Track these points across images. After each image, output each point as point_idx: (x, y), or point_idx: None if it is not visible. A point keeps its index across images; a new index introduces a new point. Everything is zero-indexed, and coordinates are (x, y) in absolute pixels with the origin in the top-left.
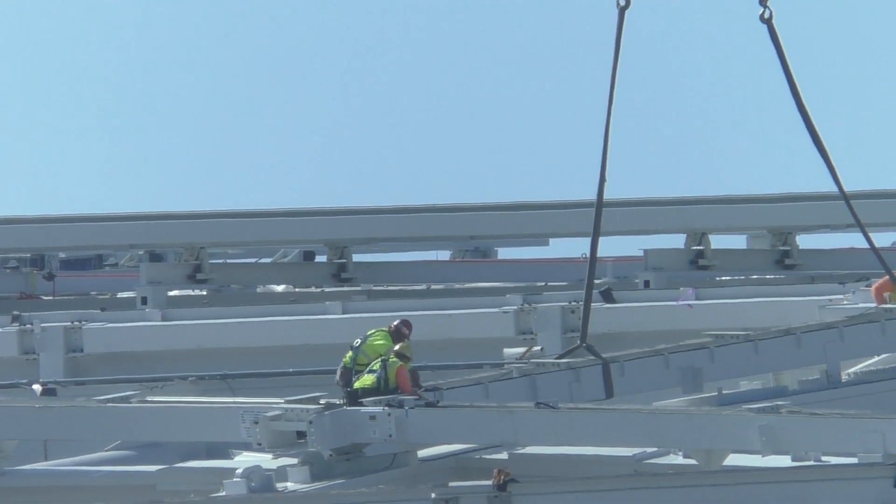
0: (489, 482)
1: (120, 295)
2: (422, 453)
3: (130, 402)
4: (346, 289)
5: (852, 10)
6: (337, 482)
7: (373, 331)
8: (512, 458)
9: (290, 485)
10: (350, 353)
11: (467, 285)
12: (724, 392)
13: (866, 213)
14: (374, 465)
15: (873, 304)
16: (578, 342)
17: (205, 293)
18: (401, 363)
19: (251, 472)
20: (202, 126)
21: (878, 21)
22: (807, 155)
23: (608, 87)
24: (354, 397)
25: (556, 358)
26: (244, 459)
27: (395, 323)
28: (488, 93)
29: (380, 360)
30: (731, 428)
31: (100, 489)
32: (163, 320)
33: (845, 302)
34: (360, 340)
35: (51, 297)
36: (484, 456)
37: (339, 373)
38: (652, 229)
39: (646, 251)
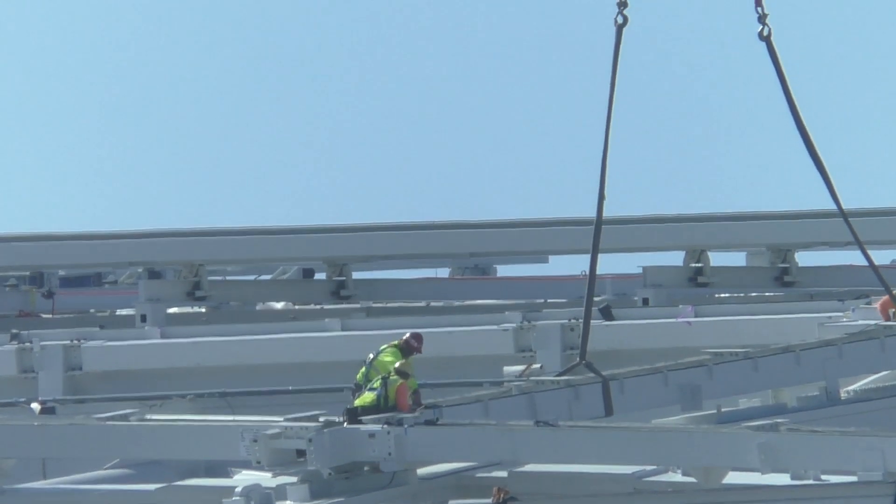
0: (489, 500)
1: (119, 312)
2: (421, 471)
3: (129, 421)
4: (345, 306)
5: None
6: (336, 500)
7: (384, 346)
8: (511, 476)
9: (289, 503)
10: (363, 370)
11: (467, 302)
12: (723, 409)
13: (865, 230)
14: (374, 483)
15: (872, 322)
16: (578, 360)
17: (204, 310)
18: (401, 381)
19: (250, 491)
20: (201, 143)
21: (877, 38)
22: (806, 172)
23: (607, 103)
24: (354, 415)
25: (556, 375)
26: (243, 478)
27: (405, 337)
28: (487, 110)
29: (380, 377)
30: (731, 445)
31: None
32: (162, 338)
33: (844, 319)
34: (371, 356)
35: (50, 315)
36: (483, 474)
37: (353, 390)
38: (651, 246)
39: (645, 268)
